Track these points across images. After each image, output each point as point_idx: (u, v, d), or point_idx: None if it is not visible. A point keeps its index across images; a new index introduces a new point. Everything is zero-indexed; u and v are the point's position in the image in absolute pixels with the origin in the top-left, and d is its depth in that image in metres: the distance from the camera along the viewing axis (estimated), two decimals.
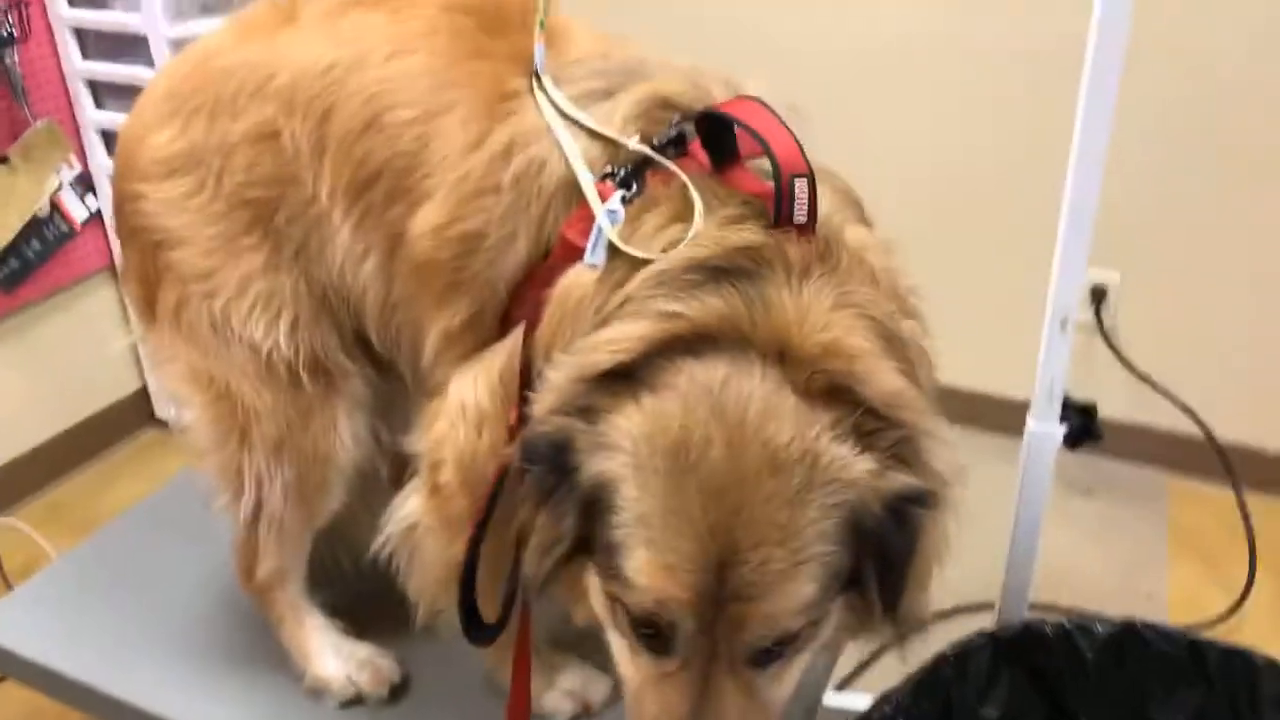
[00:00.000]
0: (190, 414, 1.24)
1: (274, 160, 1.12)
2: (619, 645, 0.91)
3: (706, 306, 0.86)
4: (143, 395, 2.89)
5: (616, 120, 1.00)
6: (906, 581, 0.88)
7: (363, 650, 1.32)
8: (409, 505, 1.12)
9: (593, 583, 0.90)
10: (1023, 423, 1.24)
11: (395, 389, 1.27)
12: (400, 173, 1.06)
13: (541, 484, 0.87)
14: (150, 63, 2.34)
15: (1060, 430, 1.18)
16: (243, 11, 1.22)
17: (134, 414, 2.87)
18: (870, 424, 0.84)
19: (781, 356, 0.84)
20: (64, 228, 2.57)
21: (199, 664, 1.38)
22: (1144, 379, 2.53)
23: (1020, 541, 1.27)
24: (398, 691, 1.31)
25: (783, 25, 2.60)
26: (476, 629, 1.05)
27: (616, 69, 1.06)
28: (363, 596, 1.41)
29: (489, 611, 1.05)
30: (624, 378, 0.86)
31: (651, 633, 0.85)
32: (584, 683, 1.28)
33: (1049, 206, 1.17)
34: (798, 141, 0.91)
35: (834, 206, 0.96)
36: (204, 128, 1.14)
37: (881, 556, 0.85)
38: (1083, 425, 1.18)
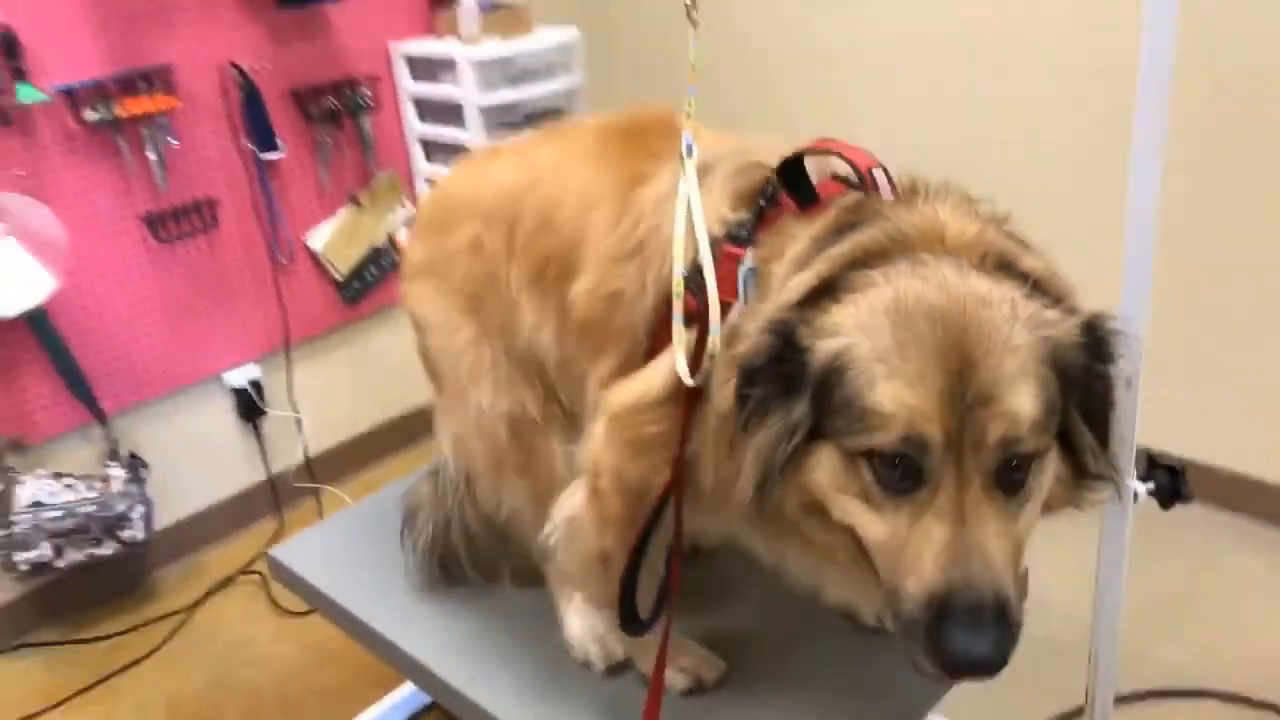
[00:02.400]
0: (467, 446, 1.58)
1: (480, 263, 1.46)
2: (861, 511, 0.95)
3: (860, 238, 1.01)
4: None
5: (719, 177, 1.21)
6: (1109, 414, 1.00)
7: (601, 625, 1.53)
8: (573, 500, 1.37)
9: (824, 460, 0.97)
10: None
11: None
12: (564, 257, 1.35)
13: (771, 385, 0.97)
14: (464, 125, 2.86)
15: (1140, 486, 1.20)
16: (468, 154, 1.62)
17: None
18: (1040, 293, 0.97)
19: (946, 249, 0.98)
20: (394, 258, 3.16)
21: (431, 605, 1.71)
22: None
23: (1104, 596, 1.29)
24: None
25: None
26: (633, 622, 1.27)
27: (724, 150, 1.27)
28: None
29: (644, 609, 1.27)
30: (820, 295, 0.98)
31: (900, 472, 0.91)
32: (699, 662, 1.45)
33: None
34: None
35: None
36: (438, 242, 1.53)
37: (1085, 393, 0.97)
38: (1171, 486, 1.20)
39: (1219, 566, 2.46)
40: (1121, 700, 1.98)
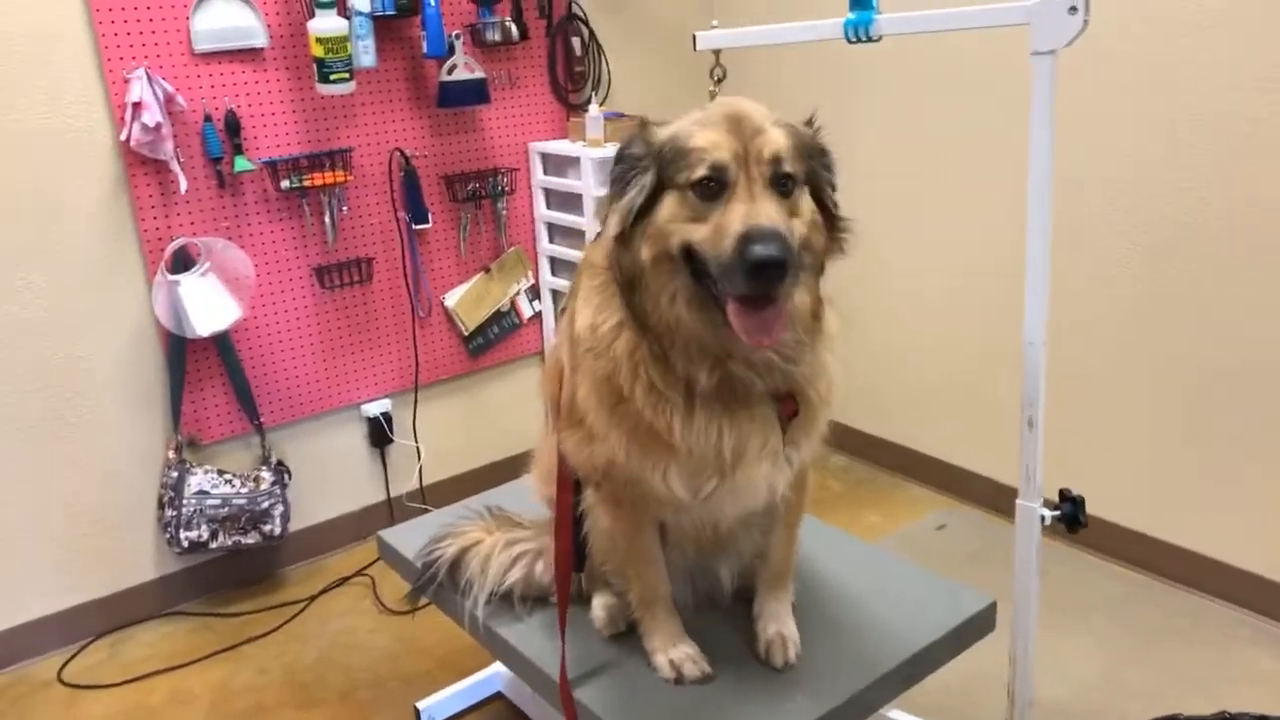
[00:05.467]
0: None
1: None
2: (691, 227, 1.35)
3: None
4: None
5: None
6: (833, 174, 1.46)
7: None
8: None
9: (666, 203, 1.38)
10: None
11: None
12: None
13: (630, 170, 1.42)
14: (581, 213, 3.36)
15: (1044, 509, 1.48)
16: None
17: None
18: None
19: None
20: (515, 320, 3.66)
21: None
22: None
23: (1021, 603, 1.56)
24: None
25: None
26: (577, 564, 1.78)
27: None
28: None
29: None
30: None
31: (713, 186, 1.34)
32: (686, 659, 1.68)
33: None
34: None
35: None
36: None
37: (821, 167, 1.44)
38: (1072, 513, 1.48)
39: None
40: None
